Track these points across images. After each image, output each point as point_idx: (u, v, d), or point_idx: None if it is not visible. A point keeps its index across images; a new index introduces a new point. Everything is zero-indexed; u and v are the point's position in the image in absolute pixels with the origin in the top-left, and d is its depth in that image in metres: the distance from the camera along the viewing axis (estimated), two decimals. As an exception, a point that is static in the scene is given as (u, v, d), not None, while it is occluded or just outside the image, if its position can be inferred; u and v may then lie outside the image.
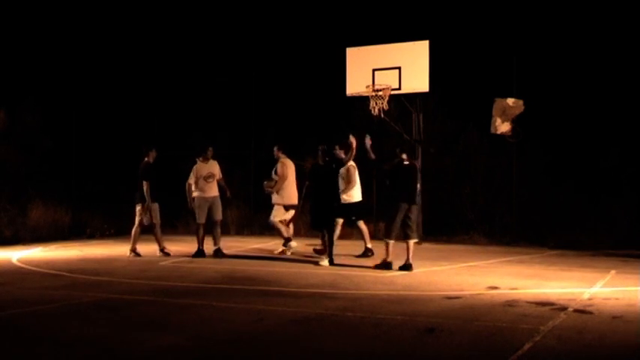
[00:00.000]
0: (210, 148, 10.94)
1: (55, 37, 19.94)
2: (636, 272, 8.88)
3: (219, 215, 10.94)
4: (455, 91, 15.44)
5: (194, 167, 10.87)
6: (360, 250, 10.84)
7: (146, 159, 11.03)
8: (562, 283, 7.87)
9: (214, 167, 10.93)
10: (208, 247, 11.02)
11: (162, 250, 11.20)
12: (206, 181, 10.76)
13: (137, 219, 11.03)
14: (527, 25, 17.59)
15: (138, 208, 11.01)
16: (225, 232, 15.68)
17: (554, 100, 14.97)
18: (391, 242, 9.11)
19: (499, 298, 6.71)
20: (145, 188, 10.78)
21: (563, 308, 6.14)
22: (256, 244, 13.24)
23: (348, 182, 10.65)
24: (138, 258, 10.91)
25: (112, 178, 17.95)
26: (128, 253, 11.08)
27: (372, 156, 9.59)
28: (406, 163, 9.27)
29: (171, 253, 11.16)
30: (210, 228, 10.93)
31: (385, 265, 9.13)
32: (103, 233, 15.74)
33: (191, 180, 10.82)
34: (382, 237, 9.58)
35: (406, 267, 9.00)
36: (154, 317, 5.92)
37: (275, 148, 11.27)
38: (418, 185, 9.90)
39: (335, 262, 9.74)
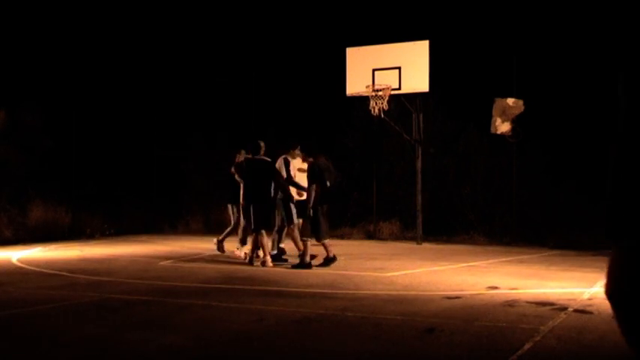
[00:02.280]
0: (299, 146, 10.22)
1: (55, 38, 19.95)
2: (636, 272, 8.85)
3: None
4: (455, 91, 15.45)
5: (289, 164, 10.08)
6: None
7: (237, 160, 11.18)
8: (562, 283, 7.87)
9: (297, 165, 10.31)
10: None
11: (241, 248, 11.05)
12: None
13: (235, 218, 11.19)
14: (527, 25, 17.59)
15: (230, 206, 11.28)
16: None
17: (554, 100, 14.97)
18: (327, 240, 9.40)
19: (499, 298, 6.71)
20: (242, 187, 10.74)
21: (563, 308, 6.13)
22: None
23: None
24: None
25: (112, 179, 17.98)
26: (242, 254, 10.85)
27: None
28: (325, 164, 9.50)
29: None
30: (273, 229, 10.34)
31: (328, 261, 9.34)
32: (103, 233, 15.74)
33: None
34: (305, 237, 9.50)
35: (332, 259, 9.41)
36: (154, 317, 5.92)
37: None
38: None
39: (331, 262, 9.72)
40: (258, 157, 9.93)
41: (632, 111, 2.64)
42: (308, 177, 9.48)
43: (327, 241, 9.43)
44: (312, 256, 9.56)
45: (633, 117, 2.51)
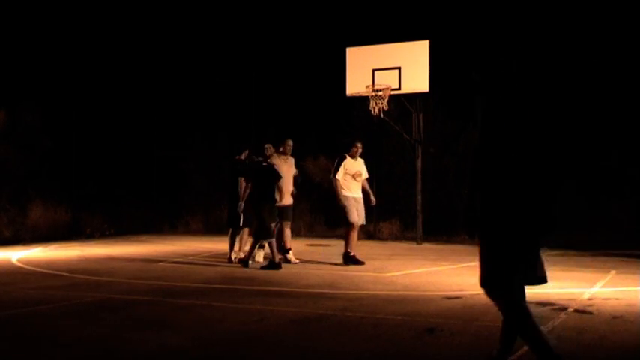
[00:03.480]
0: (360, 145, 10.11)
1: (55, 38, 19.94)
2: (636, 272, 8.87)
3: (364, 219, 10.21)
4: (455, 91, 15.44)
5: (343, 163, 9.91)
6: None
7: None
8: (562, 283, 7.86)
9: (362, 166, 10.18)
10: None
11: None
12: (355, 179, 9.98)
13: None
14: (527, 26, 17.58)
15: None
16: (226, 232, 15.68)
17: (554, 100, 14.96)
18: (274, 241, 9.39)
19: (499, 298, 6.70)
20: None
21: (563, 308, 6.13)
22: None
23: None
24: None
25: (112, 179, 17.99)
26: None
27: None
28: (265, 164, 9.58)
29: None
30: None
31: (274, 266, 9.19)
32: (103, 233, 15.74)
33: (339, 175, 9.90)
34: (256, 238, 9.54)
35: (276, 265, 9.21)
36: (154, 317, 5.92)
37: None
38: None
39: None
40: (235, 159, 10.13)
41: (489, 128, 3.57)
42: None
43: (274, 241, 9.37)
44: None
45: (488, 133, 3.56)
